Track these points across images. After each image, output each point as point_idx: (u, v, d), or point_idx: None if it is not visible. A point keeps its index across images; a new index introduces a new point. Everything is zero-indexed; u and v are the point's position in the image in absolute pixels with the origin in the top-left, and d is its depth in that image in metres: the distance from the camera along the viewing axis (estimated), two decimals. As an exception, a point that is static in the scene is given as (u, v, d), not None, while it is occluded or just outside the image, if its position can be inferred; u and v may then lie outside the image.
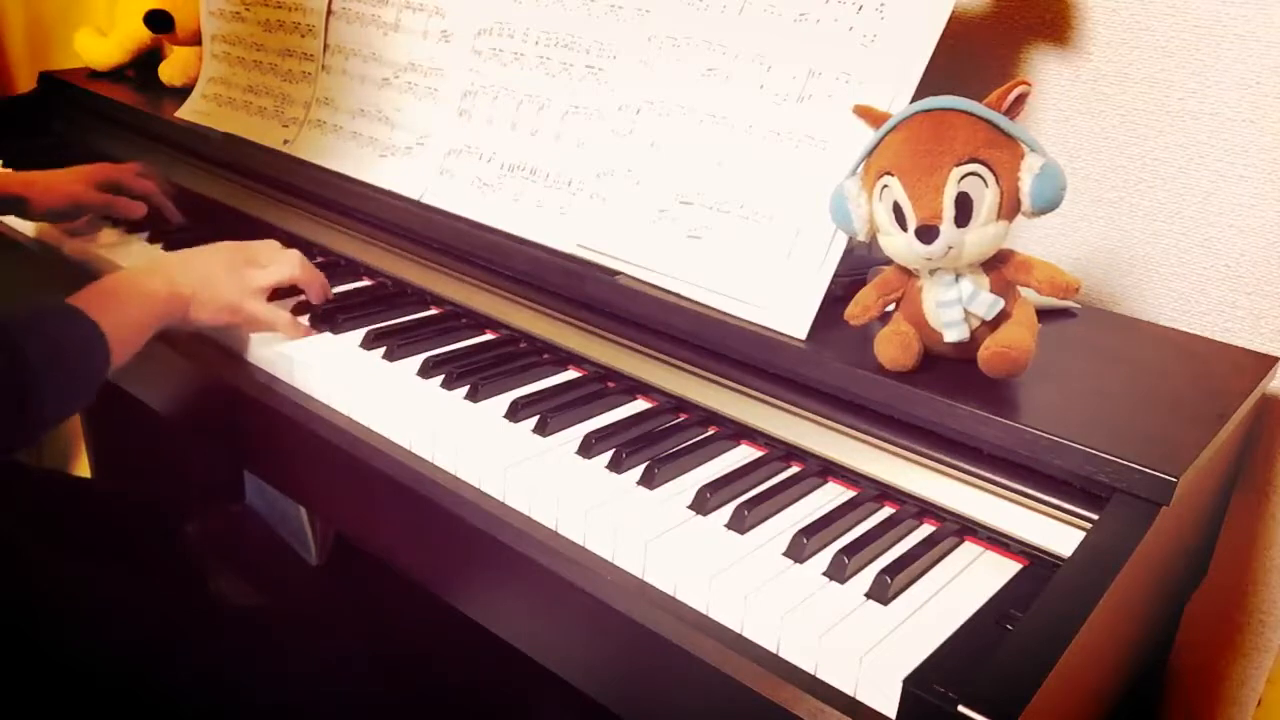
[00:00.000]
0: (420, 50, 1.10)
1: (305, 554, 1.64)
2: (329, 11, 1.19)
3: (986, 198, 0.70)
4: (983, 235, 0.71)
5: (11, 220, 1.23)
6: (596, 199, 0.94)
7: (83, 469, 1.92)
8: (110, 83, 1.55)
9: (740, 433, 0.83)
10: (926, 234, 0.71)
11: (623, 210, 0.92)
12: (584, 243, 0.94)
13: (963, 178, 0.70)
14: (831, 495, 0.77)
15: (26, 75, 1.86)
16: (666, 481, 0.76)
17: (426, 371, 0.89)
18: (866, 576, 0.66)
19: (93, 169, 1.19)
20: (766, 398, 0.82)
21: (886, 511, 0.75)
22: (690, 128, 0.89)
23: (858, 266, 0.87)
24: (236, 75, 1.30)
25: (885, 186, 0.73)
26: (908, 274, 0.77)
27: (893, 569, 0.66)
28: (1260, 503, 0.98)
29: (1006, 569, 0.70)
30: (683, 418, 0.86)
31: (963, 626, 0.63)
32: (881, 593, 0.65)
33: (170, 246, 1.16)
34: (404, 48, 1.12)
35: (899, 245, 0.74)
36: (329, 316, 0.98)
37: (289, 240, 1.17)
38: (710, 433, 0.84)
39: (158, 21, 1.42)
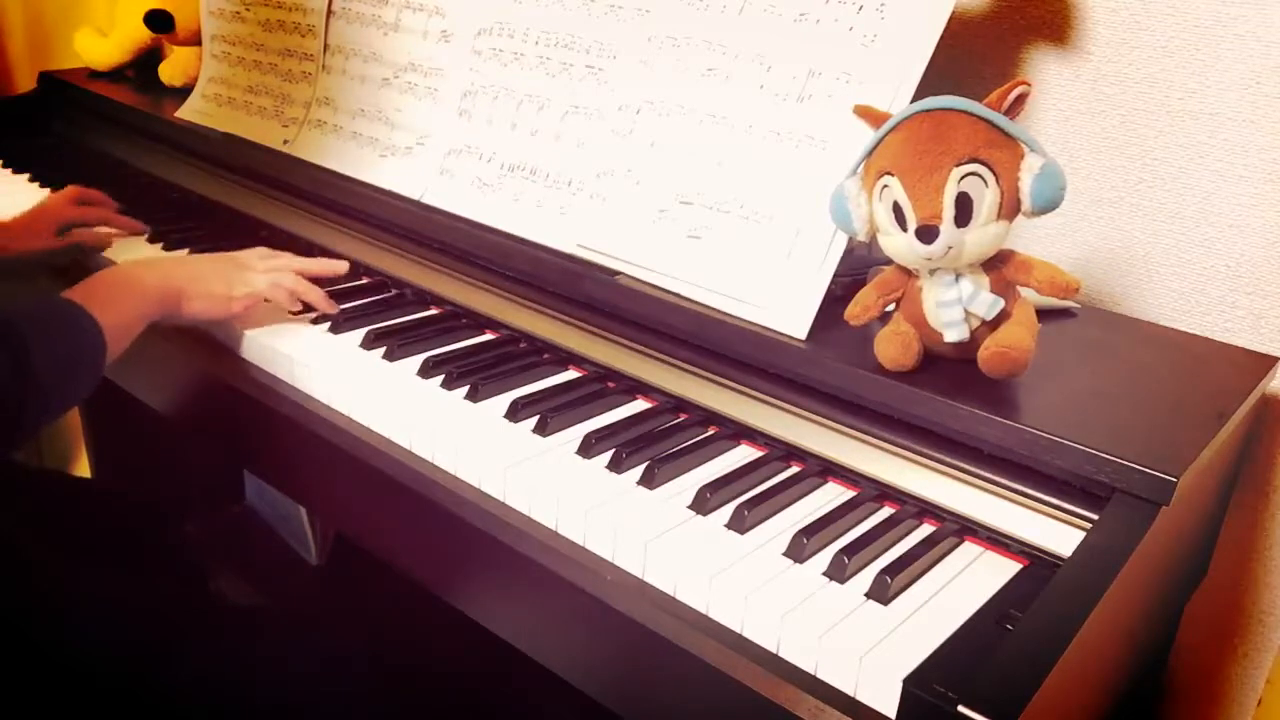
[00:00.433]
0: (420, 50, 1.10)
1: (305, 554, 1.64)
2: (329, 11, 1.19)
3: (986, 198, 0.70)
4: (983, 235, 0.71)
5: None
6: (596, 199, 0.94)
7: (83, 469, 1.92)
8: (110, 83, 1.55)
9: (740, 433, 0.83)
10: (926, 234, 0.71)
11: (623, 210, 0.92)
12: (584, 243, 0.94)
13: (963, 178, 0.70)
14: (831, 495, 0.77)
15: (26, 75, 1.86)
16: (666, 481, 0.76)
17: (426, 371, 0.89)
18: (866, 576, 0.66)
19: (39, 212, 1.17)
20: (766, 398, 0.82)
21: (886, 511, 0.75)
22: (690, 128, 0.89)
23: (858, 266, 0.87)
24: (236, 75, 1.30)
25: (885, 186, 0.73)
26: (908, 274, 0.77)
27: (893, 569, 0.66)
28: (1260, 503, 0.98)
29: (1006, 569, 0.70)
30: (683, 418, 0.86)
31: (963, 626, 0.63)
32: (881, 593, 0.65)
33: (170, 247, 1.16)
34: (404, 48, 1.12)
35: (899, 245, 0.74)
36: (329, 316, 0.98)
37: (289, 240, 1.17)
38: (710, 433, 0.84)
39: (158, 21, 1.42)
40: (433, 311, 1.04)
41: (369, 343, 0.94)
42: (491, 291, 1.01)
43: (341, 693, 0.93)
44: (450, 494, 0.77)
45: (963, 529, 0.73)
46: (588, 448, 0.79)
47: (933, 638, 0.61)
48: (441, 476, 0.79)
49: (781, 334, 0.81)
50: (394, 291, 1.08)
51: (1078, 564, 0.63)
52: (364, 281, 1.10)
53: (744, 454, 0.82)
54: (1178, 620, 1.00)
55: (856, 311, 0.78)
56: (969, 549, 0.72)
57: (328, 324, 0.97)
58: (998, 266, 0.74)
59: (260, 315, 0.97)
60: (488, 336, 0.99)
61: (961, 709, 0.53)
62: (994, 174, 0.70)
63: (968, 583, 0.68)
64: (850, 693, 0.60)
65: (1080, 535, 0.67)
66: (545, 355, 0.95)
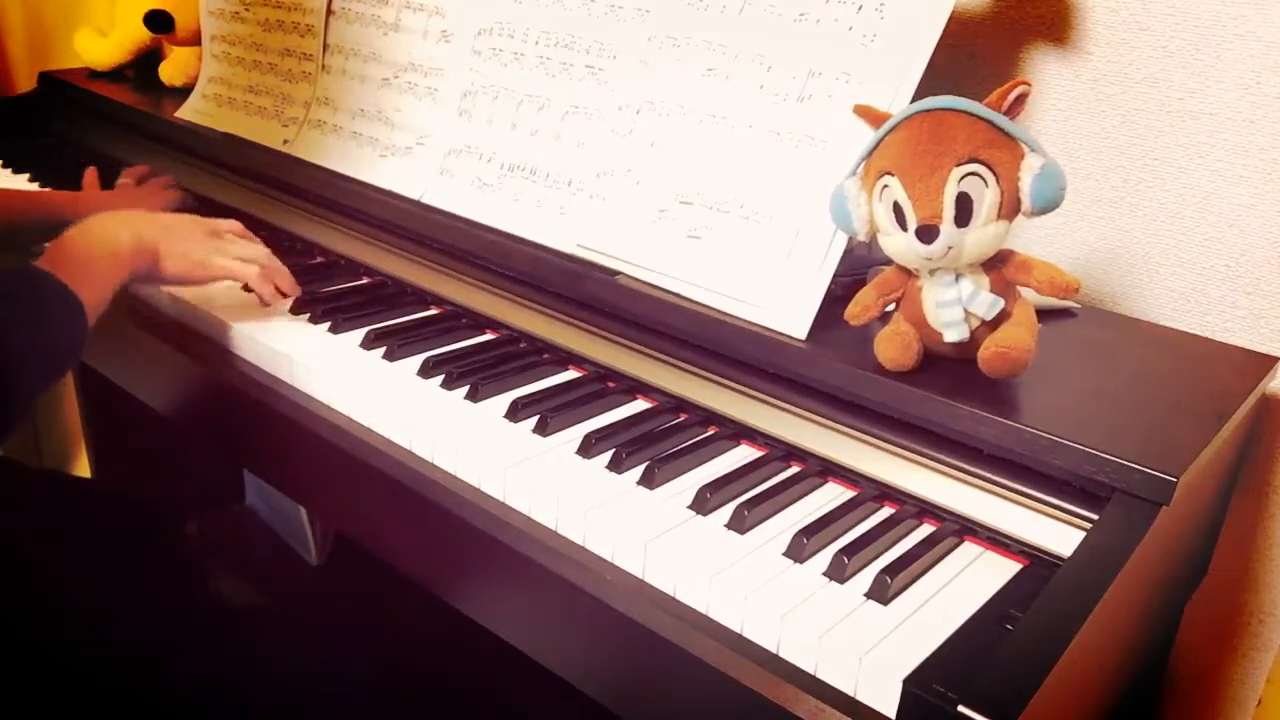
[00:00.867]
0: (420, 50, 1.10)
1: (305, 554, 1.64)
2: (329, 11, 1.19)
3: (986, 198, 0.70)
4: (983, 235, 0.71)
5: None
6: (596, 199, 0.94)
7: (83, 469, 1.92)
8: (110, 83, 1.55)
9: (740, 433, 0.83)
10: (926, 234, 0.71)
11: (623, 210, 0.92)
12: (584, 243, 0.94)
13: (963, 178, 0.70)
14: (831, 495, 0.77)
15: (26, 75, 1.86)
16: (666, 481, 0.76)
17: (426, 371, 0.89)
18: (866, 576, 0.66)
19: (123, 192, 1.20)
20: (766, 398, 0.82)
21: (886, 511, 0.75)
22: (690, 128, 0.89)
23: (858, 266, 0.87)
24: (236, 75, 1.30)
25: (885, 186, 0.73)
26: (908, 274, 0.77)
27: (893, 569, 0.66)
28: (1260, 503, 0.98)
29: (1006, 569, 0.70)
30: (683, 418, 0.86)
31: (963, 626, 0.63)
32: (881, 593, 0.65)
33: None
34: (404, 48, 1.12)
35: (899, 245, 0.74)
36: (329, 316, 0.98)
37: (289, 240, 1.17)
38: (710, 433, 0.84)
39: (158, 21, 1.42)
40: (433, 311, 1.04)
41: (369, 343, 0.94)
42: (491, 291, 1.01)
43: (341, 693, 0.93)
44: (450, 494, 0.77)
45: (963, 529, 0.73)
46: (588, 448, 0.79)
47: (933, 638, 0.61)
48: (441, 476, 0.79)
49: (781, 334, 0.81)
50: (394, 291, 1.08)
51: (1078, 564, 0.63)
52: (364, 281, 1.10)
53: (744, 454, 0.82)
54: (1178, 620, 1.00)
55: (856, 311, 0.78)
56: (969, 549, 0.72)
57: (328, 324, 0.97)
58: (998, 266, 0.74)
59: (255, 312, 0.98)
60: (488, 336, 0.99)
61: (961, 709, 0.53)
62: (994, 174, 0.70)
63: (968, 583, 0.68)
64: (850, 693, 0.60)
65: (1080, 535, 0.67)
66: (545, 355, 0.95)
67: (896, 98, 0.79)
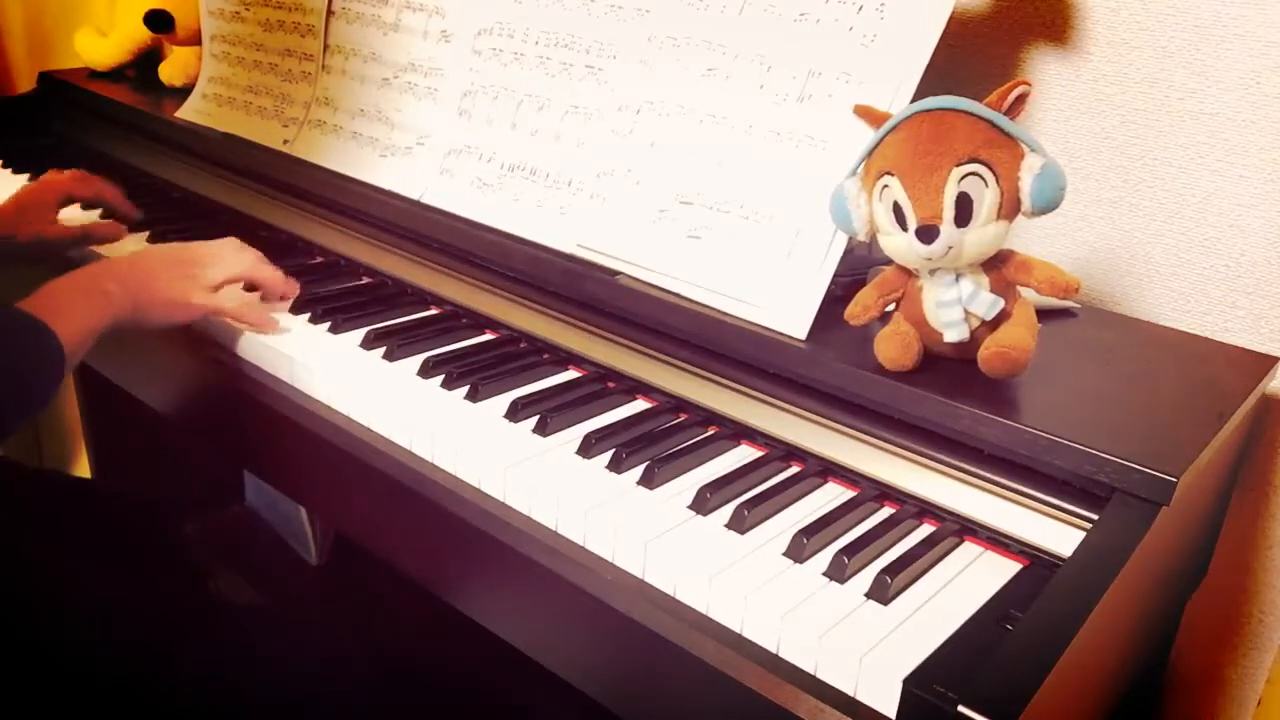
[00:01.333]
0: (420, 50, 1.10)
1: (305, 554, 1.64)
2: (329, 11, 1.19)
3: (986, 198, 0.70)
4: (983, 235, 0.71)
5: None
6: (596, 199, 0.94)
7: (83, 469, 1.92)
8: (110, 83, 1.55)
9: (740, 433, 0.83)
10: (926, 234, 0.71)
11: (623, 210, 0.92)
12: (584, 243, 0.94)
13: (963, 178, 0.70)
14: (831, 495, 0.77)
15: (26, 75, 1.86)
16: (666, 481, 0.76)
17: (426, 371, 0.89)
18: (866, 576, 0.66)
19: (36, 190, 1.15)
20: (766, 398, 0.82)
21: (886, 511, 0.75)
22: (690, 128, 0.89)
23: (858, 266, 0.87)
24: (236, 75, 1.30)
25: (885, 186, 0.73)
26: (908, 274, 0.77)
27: (893, 569, 0.66)
28: (1260, 503, 0.98)
29: (1006, 569, 0.70)
30: (683, 418, 0.86)
31: (963, 626, 0.63)
32: (881, 593, 0.65)
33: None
34: (404, 48, 1.12)
35: (899, 245, 0.74)
36: (329, 316, 0.98)
37: (289, 240, 1.17)
38: (710, 433, 0.84)
39: (158, 21, 1.42)
40: (433, 311, 1.04)
41: (369, 343, 0.94)
42: (491, 291, 1.01)
43: (341, 693, 0.93)
44: (450, 494, 0.77)
45: (963, 529, 0.73)
46: (588, 448, 0.79)
47: (933, 638, 0.61)
48: (441, 476, 0.79)
49: (781, 334, 0.81)
50: (394, 291, 1.08)
51: (1078, 564, 0.63)
52: (364, 281, 1.10)
53: (744, 454, 0.82)
54: (1178, 620, 1.00)
55: (856, 311, 0.78)
56: (969, 549, 0.72)
57: (328, 324, 0.97)
58: (998, 266, 0.74)
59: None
60: (488, 336, 0.99)
61: (961, 709, 0.53)
62: (994, 174, 0.70)
63: (968, 583, 0.68)
64: (850, 693, 0.60)
65: (1080, 535, 0.67)
66: (545, 355, 0.95)
67: (896, 98, 0.79)
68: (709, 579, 0.65)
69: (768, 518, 0.73)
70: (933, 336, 0.75)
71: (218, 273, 0.94)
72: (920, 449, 0.75)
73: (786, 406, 0.81)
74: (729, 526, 0.71)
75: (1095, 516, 0.68)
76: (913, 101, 0.77)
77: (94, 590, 0.89)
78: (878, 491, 0.76)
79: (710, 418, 0.85)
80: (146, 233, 1.18)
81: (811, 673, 0.61)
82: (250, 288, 0.98)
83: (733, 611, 0.64)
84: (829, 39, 0.83)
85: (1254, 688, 1.05)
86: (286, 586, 1.62)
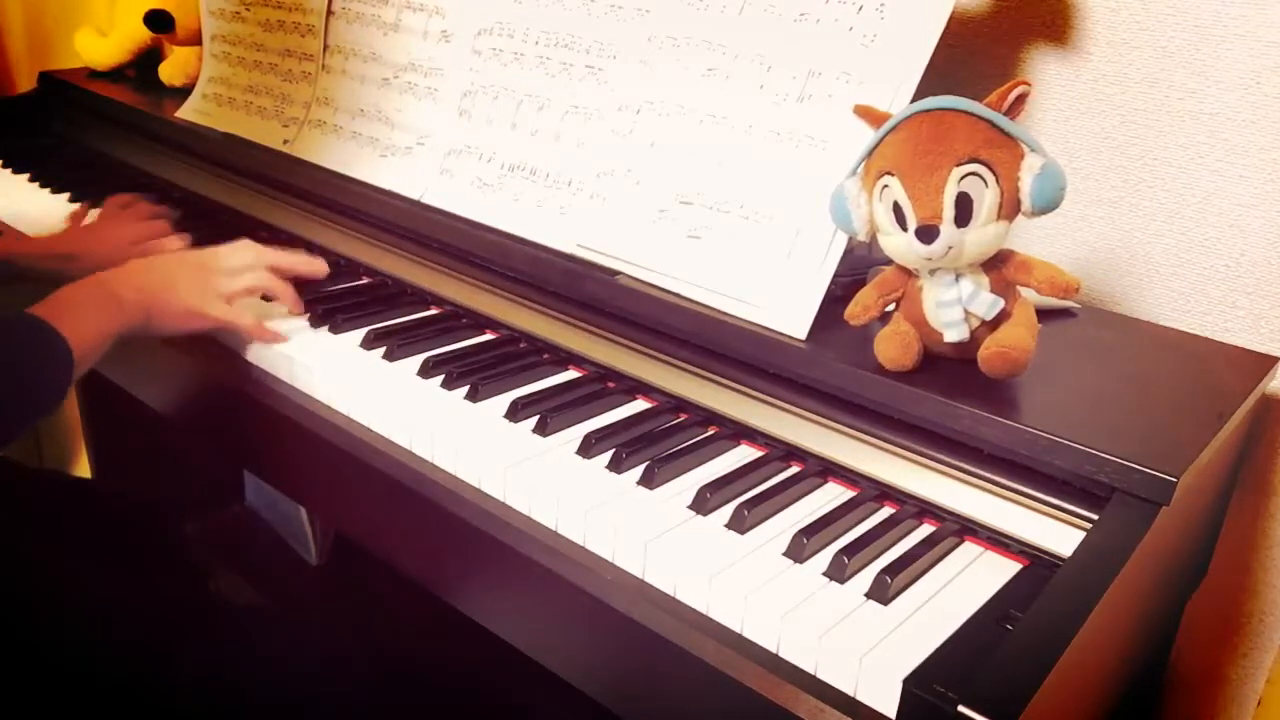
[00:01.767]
0: (420, 50, 1.10)
1: (305, 554, 1.64)
2: (329, 11, 1.19)
3: (986, 198, 0.70)
4: (983, 235, 0.71)
5: None
6: (596, 199, 0.94)
7: (83, 469, 1.92)
8: (110, 83, 1.55)
9: (740, 433, 0.83)
10: (926, 234, 0.71)
11: (623, 210, 0.92)
12: (584, 243, 0.94)
13: (963, 178, 0.70)
14: (831, 495, 0.77)
15: (26, 75, 1.86)
16: (666, 481, 0.76)
17: (426, 371, 0.89)
18: (866, 576, 0.66)
19: (108, 221, 1.13)
20: (766, 398, 0.82)
21: (886, 511, 0.75)
22: (690, 128, 0.89)
23: (858, 266, 0.87)
24: (237, 75, 1.30)
25: (885, 186, 0.73)
26: (908, 274, 0.77)
27: (893, 569, 0.66)
28: (1260, 503, 0.98)
29: (1006, 569, 0.70)
30: (683, 418, 0.86)
31: (963, 626, 0.63)
32: (881, 593, 0.65)
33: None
34: (404, 48, 1.12)
35: (899, 245, 0.74)
36: (329, 316, 0.98)
37: (289, 240, 1.17)
38: (710, 433, 0.84)
39: (158, 21, 1.43)
40: (433, 311, 1.04)
41: (369, 343, 0.94)
42: (491, 291, 1.01)
43: (341, 693, 0.93)
44: (450, 494, 0.77)
45: (963, 529, 0.73)
46: (588, 448, 0.79)
47: (933, 638, 0.61)
48: (441, 476, 0.79)
49: (781, 334, 0.81)
50: (394, 291, 1.08)
51: (1078, 564, 0.63)
52: (364, 281, 1.10)
53: (744, 454, 0.82)
54: (1178, 620, 1.00)
55: (856, 311, 0.78)
56: (969, 549, 0.72)
57: (328, 324, 0.97)
58: (998, 266, 0.74)
59: (256, 313, 0.97)
60: (488, 336, 0.99)
61: (961, 709, 0.53)
62: (994, 174, 0.70)
63: (968, 583, 0.68)
64: (850, 693, 0.60)
65: (1080, 535, 0.67)
66: (545, 355, 0.95)
67: (896, 98, 0.79)
68: (709, 579, 0.65)
69: (768, 518, 0.73)
70: (933, 336, 0.75)
71: (236, 284, 0.93)
72: (920, 449, 0.75)
73: (786, 406, 0.81)
74: (729, 526, 0.71)
75: (1095, 516, 0.68)
76: (913, 101, 0.77)
77: (94, 590, 0.89)
78: (878, 491, 0.76)
79: (710, 418, 0.85)
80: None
81: (811, 673, 0.61)
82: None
83: (733, 611, 0.64)
84: (829, 39, 0.83)
85: (1254, 688, 1.05)
86: (286, 586, 1.62)
